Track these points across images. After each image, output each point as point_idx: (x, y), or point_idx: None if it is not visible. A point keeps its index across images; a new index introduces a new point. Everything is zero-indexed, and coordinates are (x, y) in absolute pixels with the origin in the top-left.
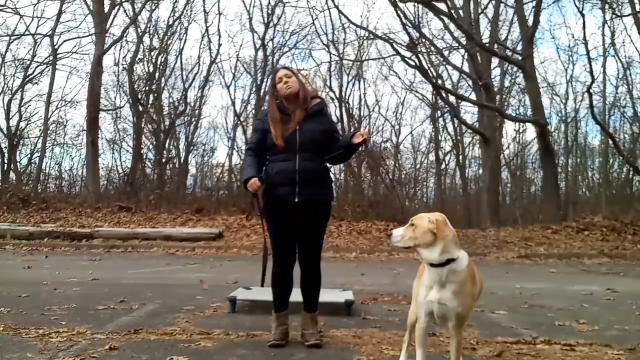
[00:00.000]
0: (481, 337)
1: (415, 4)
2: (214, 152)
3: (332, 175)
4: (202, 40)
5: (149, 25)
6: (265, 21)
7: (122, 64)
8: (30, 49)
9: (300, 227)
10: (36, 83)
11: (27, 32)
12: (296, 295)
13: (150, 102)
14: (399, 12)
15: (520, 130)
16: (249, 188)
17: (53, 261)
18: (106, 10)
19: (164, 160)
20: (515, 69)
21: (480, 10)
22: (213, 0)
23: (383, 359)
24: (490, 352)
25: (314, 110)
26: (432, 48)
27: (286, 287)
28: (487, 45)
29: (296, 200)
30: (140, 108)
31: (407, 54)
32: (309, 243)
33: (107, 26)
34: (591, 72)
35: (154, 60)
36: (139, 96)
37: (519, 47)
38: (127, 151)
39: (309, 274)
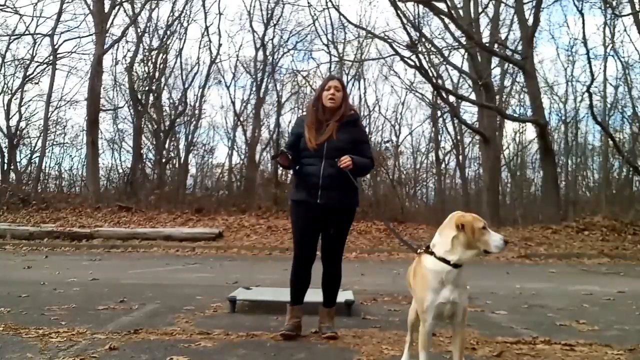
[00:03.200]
0: (481, 337)
1: (415, 3)
2: (213, 152)
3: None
4: (202, 40)
5: (148, 25)
6: (265, 21)
7: (122, 64)
8: (30, 49)
9: (323, 229)
10: (36, 83)
11: (27, 32)
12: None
13: (150, 102)
14: (399, 11)
15: (520, 130)
16: (280, 161)
17: (53, 261)
18: (106, 10)
19: (164, 160)
20: (515, 69)
21: (480, 10)
22: (213, 0)
23: (383, 359)
24: (490, 352)
25: (347, 121)
26: (432, 48)
27: (304, 282)
28: (487, 45)
29: (318, 201)
30: (140, 108)
31: (407, 53)
32: (331, 245)
33: (107, 26)
34: (591, 72)
35: (153, 60)
36: (139, 96)
37: (519, 47)
38: (127, 151)
39: (330, 273)
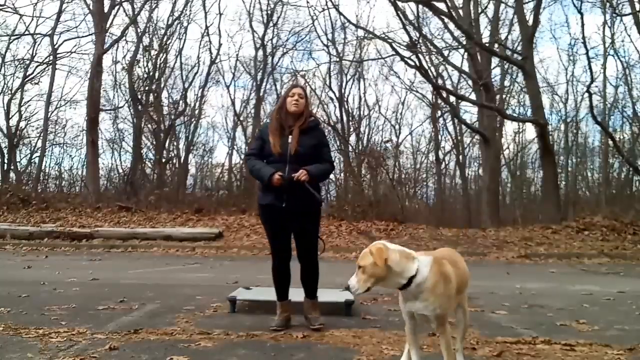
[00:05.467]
0: (481, 337)
1: (415, 3)
2: (213, 152)
3: (332, 175)
4: (202, 40)
5: (148, 25)
6: (265, 21)
7: (122, 64)
8: (30, 49)
9: (292, 229)
10: (36, 83)
11: (26, 32)
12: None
13: (150, 102)
14: (398, 11)
15: (520, 130)
16: (275, 183)
17: (53, 261)
18: (106, 10)
19: (164, 160)
20: (515, 69)
21: (480, 10)
22: (212, 0)
23: (383, 359)
24: (490, 352)
25: (308, 127)
26: (432, 48)
27: (284, 279)
28: (487, 45)
29: (283, 205)
30: (140, 108)
31: (407, 53)
32: (302, 242)
33: (107, 26)
34: (591, 72)
35: (153, 60)
36: (139, 96)
37: (519, 47)
38: (127, 151)
39: (306, 268)
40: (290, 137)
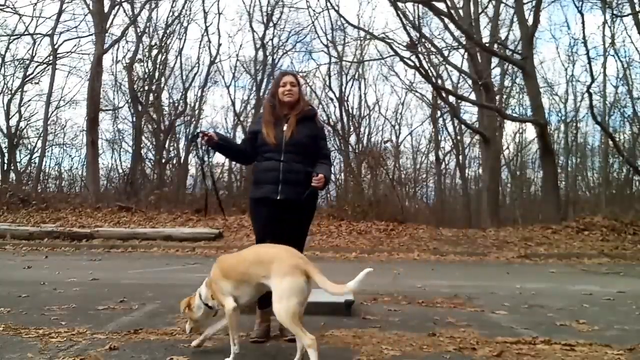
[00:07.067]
0: (481, 337)
1: (415, 3)
2: (214, 152)
3: (332, 176)
4: (201, 40)
5: (148, 25)
6: (265, 21)
7: (122, 64)
8: (30, 49)
9: (283, 225)
10: (36, 83)
11: (26, 32)
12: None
13: (150, 101)
14: (398, 12)
15: (520, 130)
16: (207, 141)
17: (53, 261)
18: (106, 10)
19: (164, 160)
20: (515, 69)
21: (480, 10)
22: (212, 0)
23: (383, 359)
24: (490, 352)
25: (304, 116)
26: (432, 48)
27: None
28: (487, 45)
29: (278, 197)
30: (140, 108)
31: (407, 54)
32: (290, 241)
33: (107, 26)
34: (591, 72)
35: (153, 60)
36: (139, 96)
37: (519, 47)
38: (127, 151)
39: None
40: (285, 125)
